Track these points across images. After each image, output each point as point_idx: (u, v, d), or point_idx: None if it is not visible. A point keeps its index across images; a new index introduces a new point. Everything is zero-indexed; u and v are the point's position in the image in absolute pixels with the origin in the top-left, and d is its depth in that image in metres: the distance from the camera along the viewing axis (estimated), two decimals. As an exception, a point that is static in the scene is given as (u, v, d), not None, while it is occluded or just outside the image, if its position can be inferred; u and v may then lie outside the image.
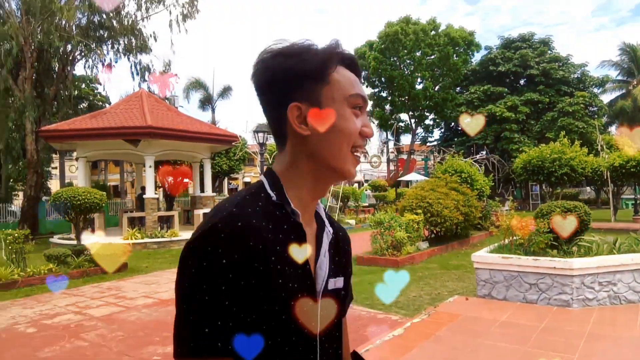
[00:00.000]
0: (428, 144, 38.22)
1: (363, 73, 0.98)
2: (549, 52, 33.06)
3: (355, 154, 0.86)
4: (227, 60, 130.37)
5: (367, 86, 31.77)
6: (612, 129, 40.51)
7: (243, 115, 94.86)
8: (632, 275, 5.98)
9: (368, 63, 29.99)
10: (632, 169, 15.87)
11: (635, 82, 38.46)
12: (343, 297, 0.95)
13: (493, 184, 16.56)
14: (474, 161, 25.67)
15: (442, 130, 37.24)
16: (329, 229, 0.94)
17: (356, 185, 28.17)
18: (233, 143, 18.16)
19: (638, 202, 19.15)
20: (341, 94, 0.84)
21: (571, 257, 5.93)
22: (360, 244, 10.13)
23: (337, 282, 0.91)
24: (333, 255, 0.92)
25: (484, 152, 31.04)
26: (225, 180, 29.83)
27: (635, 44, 39.49)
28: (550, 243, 6.28)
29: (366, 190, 27.86)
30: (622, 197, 24.76)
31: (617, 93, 39.99)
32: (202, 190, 17.64)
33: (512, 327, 5.10)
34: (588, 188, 29.56)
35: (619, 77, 40.19)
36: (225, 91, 33.57)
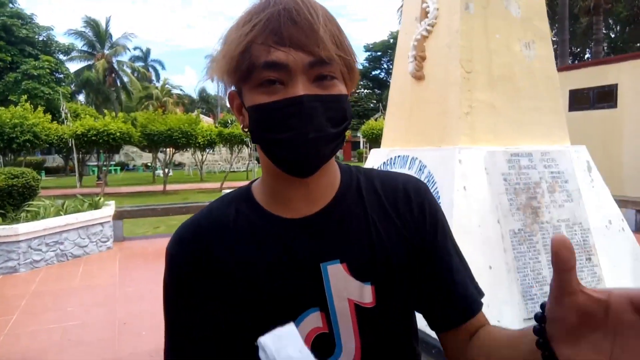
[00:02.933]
0: None
1: None
2: (11, 5, 30.30)
3: None
4: None
5: None
6: (80, 97, 42.59)
7: None
8: (78, 233, 6.74)
9: None
10: (93, 137, 17.13)
11: (99, 56, 41.71)
12: None
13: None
14: None
15: None
16: None
17: None
18: None
19: (101, 168, 20.91)
20: None
21: (18, 222, 6.00)
22: None
23: None
24: None
25: None
26: None
27: (98, 20, 42.68)
28: (-4, 211, 6.09)
29: None
30: (89, 164, 26.61)
31: (83, 63, 42.04)
32: None
33: (-54, 308, 4.68)
34: (56, 155, 29.73)
35: (85, 48, 42.37)
36: None
